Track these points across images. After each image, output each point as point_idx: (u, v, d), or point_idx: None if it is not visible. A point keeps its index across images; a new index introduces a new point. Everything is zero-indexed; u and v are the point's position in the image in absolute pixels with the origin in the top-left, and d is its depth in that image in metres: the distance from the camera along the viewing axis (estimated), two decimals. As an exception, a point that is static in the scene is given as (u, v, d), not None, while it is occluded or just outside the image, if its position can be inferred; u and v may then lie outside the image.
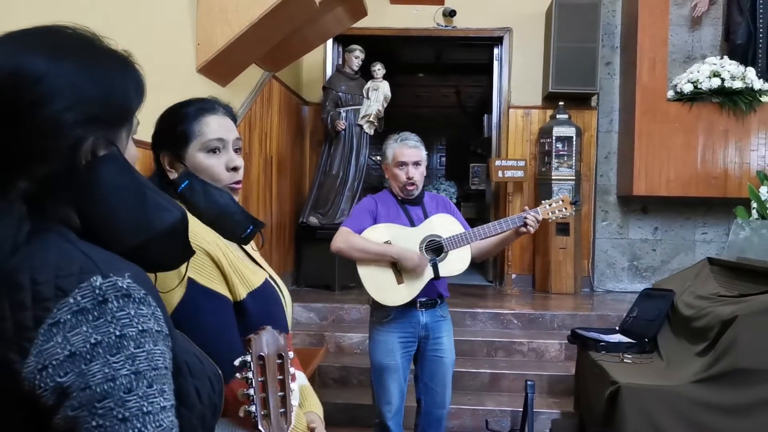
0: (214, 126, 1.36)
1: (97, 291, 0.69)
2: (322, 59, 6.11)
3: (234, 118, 1.44)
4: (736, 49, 5.54)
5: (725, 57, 5.42)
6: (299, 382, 1.42)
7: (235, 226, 1.31)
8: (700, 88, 5.29)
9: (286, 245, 5.59)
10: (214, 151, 1.36)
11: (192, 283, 1.20)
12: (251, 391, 1.00)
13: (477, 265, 7.23)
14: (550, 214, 2.68)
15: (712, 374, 2.42)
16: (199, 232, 1.25)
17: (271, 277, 1.41)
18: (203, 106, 1.38)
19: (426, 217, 2.70)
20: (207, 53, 3.29)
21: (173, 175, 1.34)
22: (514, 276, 5.83)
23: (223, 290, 1.25)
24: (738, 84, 5.22)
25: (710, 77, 5.26)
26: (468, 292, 5.67)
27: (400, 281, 2.60)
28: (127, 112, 0.80)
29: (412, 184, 2.66)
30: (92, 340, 0.67)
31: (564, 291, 5.57)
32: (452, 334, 2.79)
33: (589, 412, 2.96)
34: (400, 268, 2.60)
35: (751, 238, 3.36)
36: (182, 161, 1.34)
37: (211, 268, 1.25)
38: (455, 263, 2.64)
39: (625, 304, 4.68)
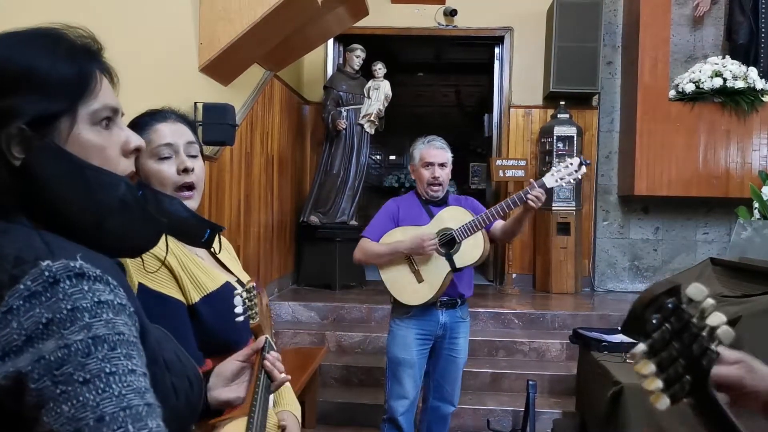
0: (164, 132, 1.36)
1: (47, 273, 0.68)
2: (323, 58, 6.11)
3: (190, 124, 1.43)
4: (738, 48, 5.54)
5: (727, 57, 5.41)
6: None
7: (190, 231, 1.30)
8: (702, 88, 5.28)
9: (287, 244, 5.58)
10: (165, 158, 1.35)
11: (142, 288, 1.22)
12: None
13: (477, 264, 7.24)
14: (559, 180, 2.60)
15: (715, 375, 2.41)
16: None
17: (239, 281, 1.40)
18: (153, 116, 1.38)
19: None
20: (210, 52, 3.28)
21: None
22: (514, 275, 5.82)
23: (176, 294, 1.27)
24: (740, 84, 5.22)
25: (712, 77, 5.26)
26: (469, 291, 5.66)
27: (420, 280, 2.67)
28: (56, 106, 0.77)
29: (438, 183, 2.73)
30: (44, 320, 0.66)
31: (565, 291, 5.57)
32: (468, 336, 2.85)
33: (591, 412, 2.96)
34: (416, 264, 2.66)
35: (753, 239, 3.36)
36: (136, 173, 1.33)
37: (163, 272, 1.26)
38: (470, 252, 2.67)
39: (626, 304, 4.66)
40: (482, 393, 3.96)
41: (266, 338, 1.18)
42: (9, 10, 1.85)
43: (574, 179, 2.61)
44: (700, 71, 5.34)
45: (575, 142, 5.60)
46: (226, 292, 1.34)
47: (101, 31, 0.86)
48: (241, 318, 1.14)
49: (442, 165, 2.74)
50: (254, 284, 1.20)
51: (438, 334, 2.75)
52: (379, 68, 5.67)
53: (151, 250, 1.20)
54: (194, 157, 1.40)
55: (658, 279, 5.08)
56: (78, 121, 0.78)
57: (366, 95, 5.62)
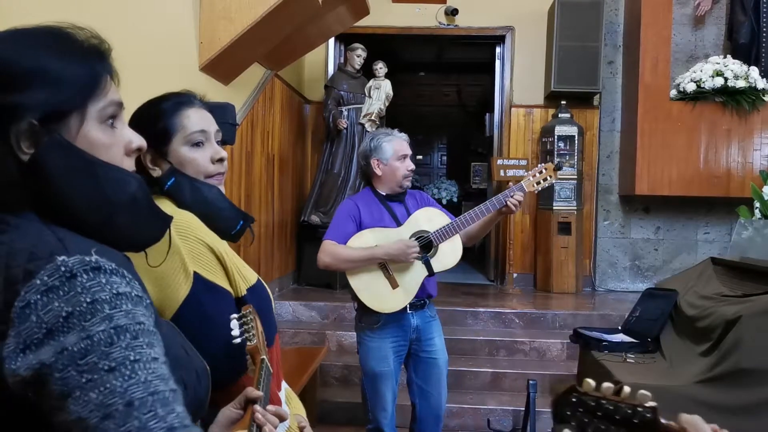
0: (195, 119, 1.33)
1: (63, 268, 0.69)
2: (324, 58, 6.10)
3: (210, 111, 1.41)
4: (740, 48, 5.53)
5: (728, 56, 5.41)
6: (284, 386, 1.41)
7: (225, 222, 1.29)
8: (703, 88, 5.28)
9: (288, 244, 5.58)
10: (198, 144, 1.32)
11: (197, 277, 1.19)
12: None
13: (478, 264, 7.25)
14: (535, 185, 2.66)
15: (716, 374, 2.41)
16: (199, 226, 1.24)
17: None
18: (181, 100, 1.34)
19: (409, 213, 2.64)
20: (210, 51, 3.28)
21: (156, 173, 1.29)
22: (515, 275, 5.82)
23: (225, 285, 1.24)
24: (741, 83, 5.21)
25: (713, 76, 5.25)
26: (469, 291, 5.67)
27: (394, 285, 2.54)
28: (66, 102, 0.77)
29: (411, 175, 2.68)
30: (64, 313, 0.67)
31: (565, 290, 5.57)
32: (442, 334, 2.74)
33: (592, 411, 2.95)
34: (391, 270, 2.54)
35: (754, 238, 3.35)
36: (165, 158, 1.30)
37: (214, 262, 1.23)
38: (448, 256, 2.60)
39: (626, 303, 4.68)
40: (483, 392, 3.96)
41: (261, 394, 1.11)
42: (9, 10, 1.85)
43: (549, 184, 2.69)
44: (701, 71, 5.33)
45: (576, 142, 5.60)
46: (261, 285, 1.35)
47: (101, 30, 0.86)
48: (238, 340, 1.14)
49: (411, 156, 2.71)
50: (250, 309, 1.19)
51: (412, 337, 2.63)
52: (380, 67, 5.68)
53: (204, 240, 1.22)
54: (220, 143, 1.38)
55: (659, 279, 5.08)
56: (87, 118, 0.79)
57: (367, 94, 5.62)
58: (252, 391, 1.06)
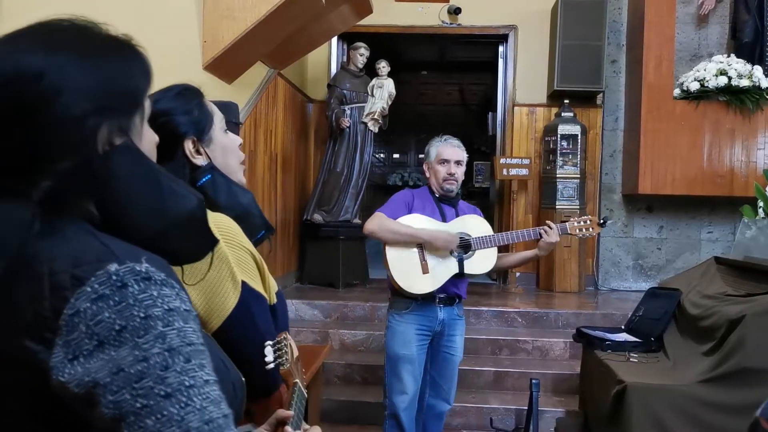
0: (214, 107, 1.33)
1: (114, 277, 0.67)
2: (326, 57, 6.10)
3: None
4: (743, 47, 5.52)
5: (732, 55, 5.39)
6: None
7: (250, 229, 1.27)
8: (707, 87, 5.27)
9: (290, 243, 5.59)
10: (226, 131, 1.32)
11: (245, 287, 1.17)
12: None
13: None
14: (577, 231, 2.82)
15: (719, 374, 2.41)
16: (239, 232, 1.21)
17: None
18: (200, 93, 1.32)
19: (458, 216, 2.80)
20: (213, 50, 3.29)
21: (201, 161, 1.26)
22: (518, 274, 5.81)
23: (263, 292, 1.23)
24: (745, 82, 5.20)
25: (717, 75, 5.24)
26: (472, 290, 5.62)
27: (425, 271, 2.68)
28: (135, 97, 0.79)
29: (454, 180, 2.78)
30: (116, 327, 0.66)
31: (568, 289, 5.57)
32: (464, 335, 2.88)
33: (595, 411, 2.96)
34: (426, 256, 2.68)
35: (758, 237, 3.35)
36: (205, 146, 1.27)
37: (254, 269, 1.22)
38: (480, 263, 2.74)
39: (629, 303, 4.67)
40: (485, 391, 3.96)
41: (291, 413, 1.10)
42: (13, 8, 1.86)
43: (589, 235, 2.84)
44: (704, 70, 5.32)
45: (579, 141, 5.59)
46: (281, 291, 1.34)
47: (95, 19, 0.85)
48: (271, 365, 1.10)
49: (458, 162, 2.80)
50: (285, 336, 1.16)
51: (436, 330, 2.76)
52: (383, 66, 5.67)
53: (246, 246, 1.21)
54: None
55: (662, 278, 5.07)
56: (144, 115, 0.81)
57: (370, 93, 5.62)
58: (283, 412, 1.06)
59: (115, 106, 0.74)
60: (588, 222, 2.83)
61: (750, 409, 2.36)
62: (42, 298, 0.67)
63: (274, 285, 1.30)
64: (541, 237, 2.69)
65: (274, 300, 1.27)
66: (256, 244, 1.30)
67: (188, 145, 1.25)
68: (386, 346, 2.81)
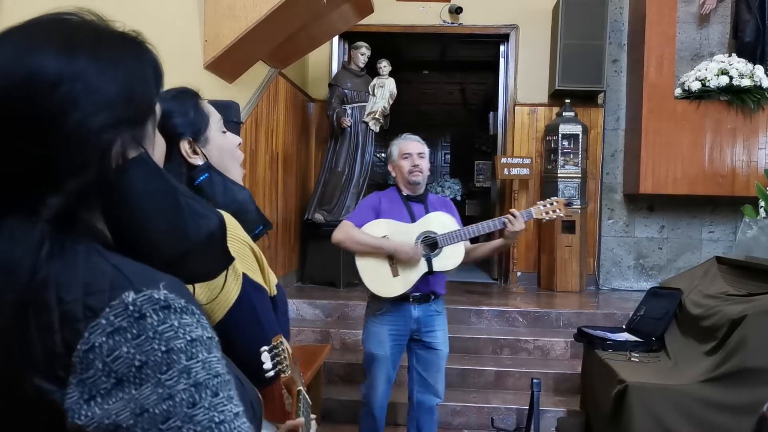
0: (210, 108, 1.35)
1: (132, 307, 0.62)
2: (328, 56, 6.10)
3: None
4: (745, 46, 5.51)
5: (733, 55, 5.39)
6: None
7: (248, 225, 1.28)
8: (708, 86, 5.26)
9: (292, 242, 5.59)
10: (224, 131, 1.34)
11: (246, 279, 1.19)
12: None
13: (482, 263, 7.24)
14: (543, 214, 2.83)
15: (721, 373, 2.41)
16: (238, 226, 1.24)
17: None
18: (193, 92, 1.35)
19: (427, 213, 2.83)
20: (214, 50, 3.28)
21: (198, 161, 1.28)
22: (519, 274, 5.81)
23: (263, 284, 1.26)
24: (746, 82, 5.19)
25: (718, 75, 5.23)
26: (473, 289, 5.66)
27: (395, 274, 2.74)
28: (150, 104, 0.73)
29: (419, 171, 2.81)
30: (136, 362, 0.60)
31: (569, 289, 5.57)
32: (446, 329, 2.90)
33: (596, 410, 2.96)
34: (395, 261, 2.73)
35: (759, 237, 3.35)
36: (201, 147, 1.29)
37: (254, 262, 1.24)
38: (448, 259, 2.77)
39: (630, 302, 4.67)
40: (486, 391, 3.96)
41: (301, 421, 1.12)
42: (14, 7, 1.86)
43: (557, 216, 2.84)
44: (706, 69, 5.32)
45: (580, 141, 5.59)
46: (280, 284, 1.36)
47: (101, 13, 0.84)
48: (271, 373, 1.10)
49: (420, 155, 2.84)
50: (281, 340, 1.16)
51: (413, 328, 2.81)
52: (384, 66, 5.67)
53: (245, 239, 1.22)
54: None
55: (664, 277, 5.07)
56: (156, 120, 0.75)
57: (371, 93, 5.62)
58: (292, 422, 1.06)
59: (131, 116, 0.68)
60: (554, 204, 2.84)
61: (751, 409, 2.37)
62: (52, 331, 0.61)
63: (273, 277, 1.32)
64: (505, 226, 2.72)
65: (274, 292, 1.29)
66: (254, 239, 1.32)
67: (184, 146, 1.27)
68: (363, 345, 2.91)
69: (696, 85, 5.31)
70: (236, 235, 1.21)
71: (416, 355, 2.88)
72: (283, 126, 5.16)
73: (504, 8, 5.95)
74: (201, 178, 1.27)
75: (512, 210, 2.77)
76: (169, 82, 1.26)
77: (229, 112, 3.27)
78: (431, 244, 2.75)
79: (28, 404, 0.63)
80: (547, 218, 2.84)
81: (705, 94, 5.31)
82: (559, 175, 5.59)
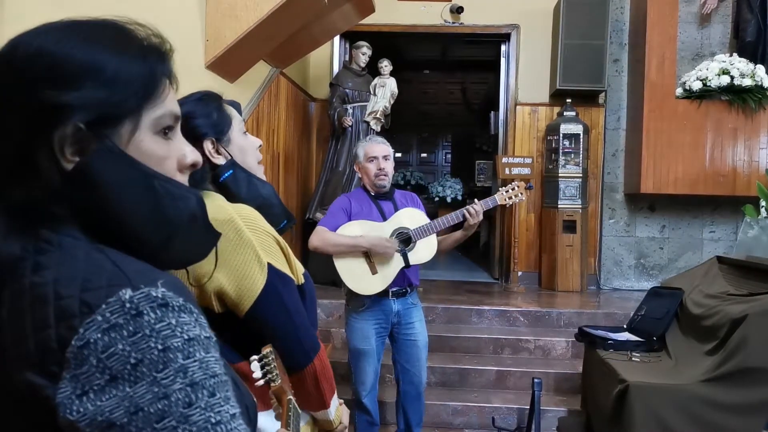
0: (232, 110, 1.40)
1: (128, 305, 0.61)
2: (329, 55, 6.10)
3: None
4: (746, 46, 5.51)
5: (734, 54, 5.39)
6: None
7: (272, 219, 1.32)
8: (709, 86, 5.26)
9: (293, 241, 5.59)
10: (245, 132, 1.40)
11: (271, 268, 1.23)
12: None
13: (483, 262, 7.25)
14: (507, 200, 3.04)
15: (722, 373, 2.41)
16: (260, 218, 1.28)
17: None
18: (217, 95, 1.41)
19: (396, 210, 2.95)
20: (216, 49, 3.29)
21: (221, 161, 1.33)
22: (520, 273, 5.81)
23: (291, 274, 1.29)
24: (747, 82, 5.19)
25: (719, 75, 5.23)
26: (474, 289, 5.67)
27: (374, 271, 2.84)
28: (121, 109, 0.69)
29: (384, 174, 2.91)
30: (132, 360, 0.60)
31: (570, 289, 5.57)
32: (423, 319, 3.04)
33: (597, 410, 2.96)
34: (372, 258, 2.84)
35: (760, 237, 3.35)
36: (224, 147, 1.34)
37: (279, 252, 1.28)
38: (423, 252, 2.90)
39: (631, 302, 4.67)
40: (487, 391, 3.96)
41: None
42: (17, 7, 1.86)
43: (519, 200, 3.08)
44: (707, 69, 5.31)
45: (581, 140, 5.58)
46: (308, 273, 1.41)
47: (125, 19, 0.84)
48: (261, 383, 1.11)
49: (385, 157, 2.93)
50: (270, 350, 1.15)
51: (393, 321, 2.94)
52: (386, 65, 5.67)
53: (270, 231, 1.26)
54: None
55: (665, 277, 5.07)
56: (141, 126, 0.70)
57: (372, 92, 5.62)
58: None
59: (93, 107, 0.67)
60: (515, 188, 3.06)
61: (752, 408, 2.37)
62: (47, 326, 0.61)
63: (300, 267, 1.36)
64: (465, 219, 2.88)
65: (302, 280, 1.33)
66: (279, 233, 1.36)
67: (208, 146, 1.32)
68: (348, 342, 3.01)
69: (697, 85, 5.31)
70: (259, 227, 1.25)
71: (397, 349, 3.00)
72: (284, 125, 5.17)
73: (505, 8, 5.95)
74: (225, 175, 1.32)
75: (475, 200, 2.94)
76: (171, 81, 1.27)
77: (230, 111, 3.28)
78: (405, 240, 2.87)
79: (20, 399, 0.62)
80: (510, 203, 3.04)
81: (706, 93, 5.31)
82: (560, 174, 5.59)
